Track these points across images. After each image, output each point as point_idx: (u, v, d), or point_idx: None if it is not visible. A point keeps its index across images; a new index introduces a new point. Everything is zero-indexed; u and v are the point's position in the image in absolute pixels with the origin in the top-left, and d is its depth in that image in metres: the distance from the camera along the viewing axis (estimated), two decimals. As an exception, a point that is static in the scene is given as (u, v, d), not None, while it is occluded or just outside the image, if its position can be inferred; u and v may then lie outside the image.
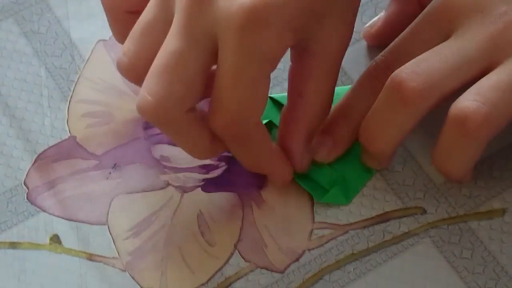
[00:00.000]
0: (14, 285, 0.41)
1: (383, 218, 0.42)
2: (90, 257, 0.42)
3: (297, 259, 0.41)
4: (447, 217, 0.42)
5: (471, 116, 0.37)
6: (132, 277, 0.41)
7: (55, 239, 0.42)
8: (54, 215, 0.43)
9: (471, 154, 0.39)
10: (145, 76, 0.38)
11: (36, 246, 0.42)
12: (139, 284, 0.41)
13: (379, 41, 0.46)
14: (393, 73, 0.39)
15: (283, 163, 0.42)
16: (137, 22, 0.39)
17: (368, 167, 0.43)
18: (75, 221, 0.43)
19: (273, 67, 0.37)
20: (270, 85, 0.38)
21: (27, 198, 0.43)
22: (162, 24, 0.38)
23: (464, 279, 0.40)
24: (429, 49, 0.40)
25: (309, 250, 0.42)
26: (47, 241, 0.42)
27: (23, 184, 0.44)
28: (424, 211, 0.42)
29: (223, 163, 0.44)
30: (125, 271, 0.41)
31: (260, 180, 0.43)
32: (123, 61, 0.39)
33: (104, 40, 0.48)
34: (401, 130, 0.40)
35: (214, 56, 0.37)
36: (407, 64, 0.39)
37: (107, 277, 0.41)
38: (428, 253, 0.41)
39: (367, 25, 0.47)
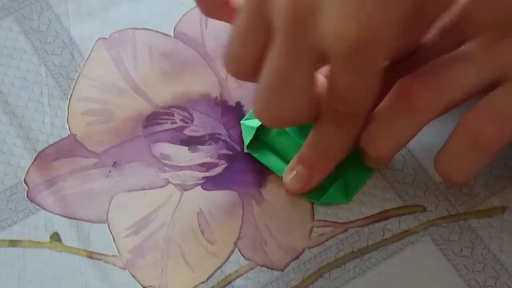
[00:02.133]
0: (14, 283, 0.41)
1: (383, 216, 0.42)
2: (90, 255, 0.42)
3: (297, 257, 0.41)
4: (447, 215, 0.42)
5: (485, 128, 0.37)
6: (132, 275, 0.41)
7: (55, 237, 0.42)
8: (54, 213, 0.43)
9: (479, 164, 0.39)
10: (252, 74, 0.38)
11: (36, 244, 0.42)
12: (139, 282, 0.41)
13: None
14: (401, 80, 0.39)
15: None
16: (233, 27, 0.38)
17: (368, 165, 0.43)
18: (75, 219, 0.43)
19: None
20: None
21: (27, 196, 0.43)
22: (259, 29, 0.37)
23: (463, 277, 0.41)
24: (439, 57, 0.39)
25: (309, 248, 0.42)
26: (47, 239, 0.42)
27: (23, 182, 0.44)
28: (424, 209, 0.42)
29: (223, 161, 0.44)
30: (125, 269, 0.41)
31: (260, 178, 0.43)
32: (231, 65, 0.39)
33: (104, 39, 0.48)
34: (404, 137, 0.39)
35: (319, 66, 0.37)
36: (416, 71, 0.38)
37: (107, 275, 0.41)
38: (428, 251, 0.41)
39: None
